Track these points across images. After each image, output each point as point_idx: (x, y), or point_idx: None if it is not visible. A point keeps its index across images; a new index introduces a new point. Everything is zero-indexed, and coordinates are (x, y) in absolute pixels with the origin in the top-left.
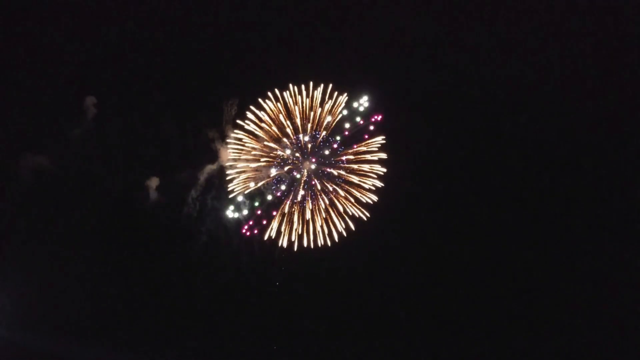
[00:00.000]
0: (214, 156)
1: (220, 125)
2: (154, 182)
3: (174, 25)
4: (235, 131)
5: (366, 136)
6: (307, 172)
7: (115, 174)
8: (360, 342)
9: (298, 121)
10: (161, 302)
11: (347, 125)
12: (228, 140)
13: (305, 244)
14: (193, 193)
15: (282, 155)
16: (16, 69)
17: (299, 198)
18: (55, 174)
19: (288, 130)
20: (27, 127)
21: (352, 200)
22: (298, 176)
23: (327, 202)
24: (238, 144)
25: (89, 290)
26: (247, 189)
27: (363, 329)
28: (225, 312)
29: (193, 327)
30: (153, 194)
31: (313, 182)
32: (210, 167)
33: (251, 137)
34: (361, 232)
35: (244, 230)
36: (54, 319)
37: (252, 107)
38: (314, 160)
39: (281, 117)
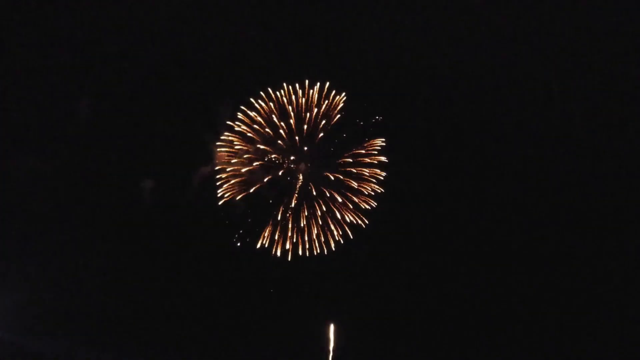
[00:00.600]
0: (208, 158)
1: (214, 126)
2: (148, 184)
3: (169, 25)
4: (226, 133)
5: (366, 138)
6: (302, 176)
7: (109, 176)
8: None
9: (292, 122)
10: (157, 305)
11: (345, 127)
12: (219, 143)
13: (300, 253)
14: (186, 196)
15: (276, 159)
16: (10, 69)
17: (294, 204)
18: (50, 176)
19: (282, 131)
20: (21, 129)
21: (351, 206)
22: (292, 181)
23: (323, 208)
24: (229, 147)
25: (86, 291)
26: (239, 194)
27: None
28: (218, 317)
29: (187, 331)
30: (147, 196)
31: (308, 187)
32: (204, 170)
33: (243, 139)
34: (359, 239)
35: (234, 239)
36: (51, 321)
37: (243, 108)
38: (309, 163)
39: (275, 118)
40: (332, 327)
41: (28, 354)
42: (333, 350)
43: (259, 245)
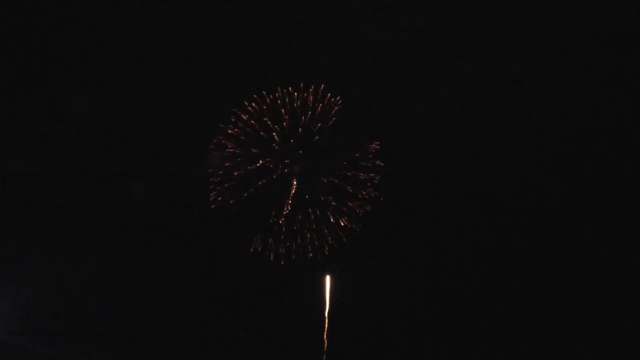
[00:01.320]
0: (200, 162)
1: (207, 129)
2: (139, 187)
3: (163, 27)
4: (219, 137)
5: (361, 142)
6: (296, 180)
7: (102, 177)
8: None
9: (287, 126)
10: (156, 306)
11: (340, 130)
12: (212, 146)
13: (293, 257)
14: (177, 200)
15: (269, 162)
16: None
17: (287, 208)
18: (47, 177)
19: (276, 135)
20: (14, 128)
21: (346, 210)
22: (286, 185)
23: (317, 212)
24: (222, 150)
25: (85, 293)
26: (231, 198)
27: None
28: (215, 314)
29: (186, 331)
30: (138, 199)
31: (302, 191)
32: (196, 174)
33: (236, 142)
34: (355, 242)
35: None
36: (50, 323)
37: (237, 111)
38: (303, 167)
39: (268, 121)
40: (328, 279)
41: (28, 355)
42: (329, 300)
43: (251, 250)
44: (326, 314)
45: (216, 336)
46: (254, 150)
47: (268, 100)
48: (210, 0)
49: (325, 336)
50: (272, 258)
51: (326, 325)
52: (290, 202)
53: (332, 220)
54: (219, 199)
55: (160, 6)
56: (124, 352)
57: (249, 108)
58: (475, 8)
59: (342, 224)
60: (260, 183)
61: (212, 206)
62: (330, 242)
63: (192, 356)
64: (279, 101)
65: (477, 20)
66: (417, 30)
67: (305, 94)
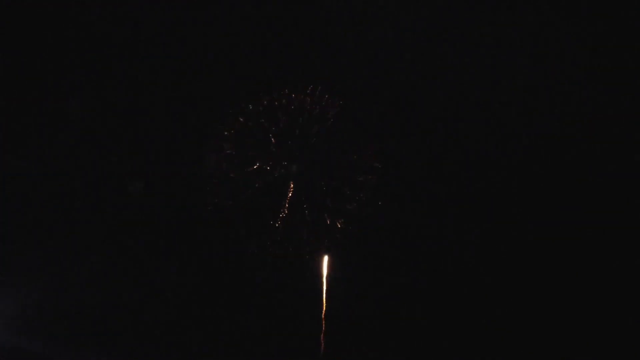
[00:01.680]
0: (197, 163)
1: (205, 130)
2: (137, 188)
3: (161, 27)
4: (217, 137)
5: (359, 143)
6: (293, 181)
7: (100, 178)
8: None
9: (285, 127)
10: (155, 307)
11: (338, 132)
12: (209, 148)
13: (290, 259)
14: (175, 201)
15: (267, 163)
16: None
17: (284, 210)
18: (45, 177)
19: (273, 137)
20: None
21: (343, 212)
22: (283, 186)
23: (315, 214)
24: (219, 151)
25: (85, 293)
26: (228, 200)
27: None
28: (211, 322)
29: (185, 331)
30: (137, 199)
31: (300, 193)
32: (193, 174)
33: (233, 143)
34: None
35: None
36: (51, 323)
37: (234, 111)
38: (301, 169)
39: (266, 123)
40: (326, 258)
41: (28, 355)
42: (327, 277)
43: (248, 251)
44: (322, 316)
45: (214, 337)
46: (251, 152)
47: (265, 102)
48: (208, 0)
49: (322, 337)
50: (268, 260)
51: (323, 327)
52: (287, 204)
53: (328, 222)
54: (216, 200)
55: (156, 7)
56: (124, 352)
57: (246, 109)
58: (475, 9)
59: (339, 226)
60: (257, 185)
61: (209, 208)
62: (327, 244)
63: (191, 356)
64: (276, 102)
65: (477, 22)
66: (416, 31)
67: (303, 95)
